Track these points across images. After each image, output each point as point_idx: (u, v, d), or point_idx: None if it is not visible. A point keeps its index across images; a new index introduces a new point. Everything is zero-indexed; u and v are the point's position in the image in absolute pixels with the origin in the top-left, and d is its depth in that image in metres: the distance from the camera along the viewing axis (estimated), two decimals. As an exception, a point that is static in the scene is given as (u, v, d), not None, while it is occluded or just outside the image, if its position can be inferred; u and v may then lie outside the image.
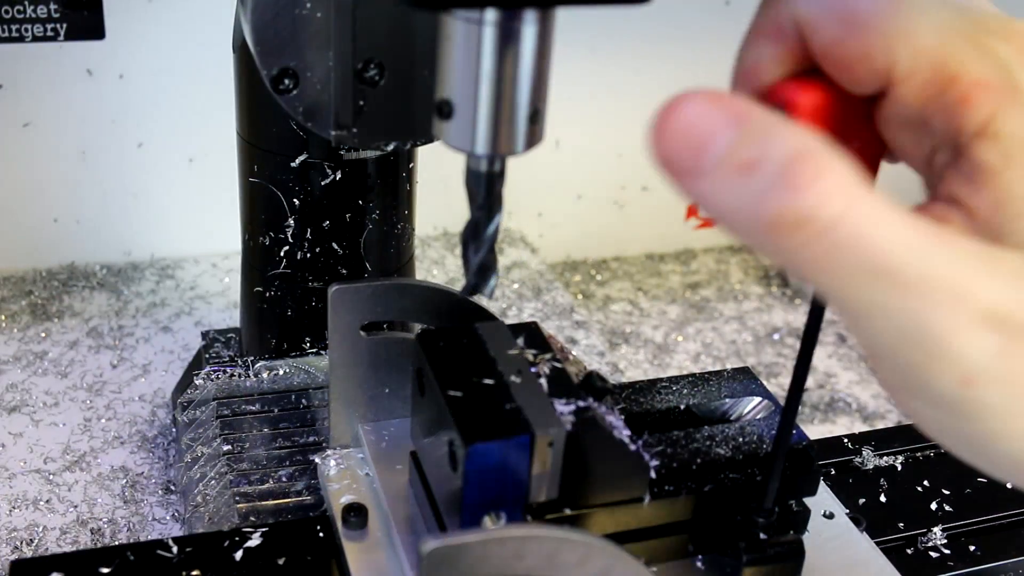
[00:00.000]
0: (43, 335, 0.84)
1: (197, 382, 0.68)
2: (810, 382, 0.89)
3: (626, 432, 0.49)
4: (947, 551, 0.57)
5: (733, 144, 0.27)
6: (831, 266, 0.27)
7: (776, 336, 0.95)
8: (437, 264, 0.98)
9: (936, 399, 0.28)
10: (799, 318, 0.98)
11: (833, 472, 0.62)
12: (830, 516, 0.55)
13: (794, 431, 0.52)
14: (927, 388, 0.28)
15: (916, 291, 0.26)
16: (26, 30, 0.80)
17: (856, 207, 0.26)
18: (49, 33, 0.81)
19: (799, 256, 0.27)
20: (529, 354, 0.49)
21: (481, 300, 0.52)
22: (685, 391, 0.55)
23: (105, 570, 0.50)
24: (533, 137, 0.42)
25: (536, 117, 0.42)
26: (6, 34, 0.80)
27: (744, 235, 0.28)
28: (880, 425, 0.84)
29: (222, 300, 0.90)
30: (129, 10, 0.83)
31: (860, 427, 0.84)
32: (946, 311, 0.27)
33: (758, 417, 0.53)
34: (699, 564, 0.52)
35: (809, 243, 0.26)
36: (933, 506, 0.60)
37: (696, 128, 0.28)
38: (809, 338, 0.43)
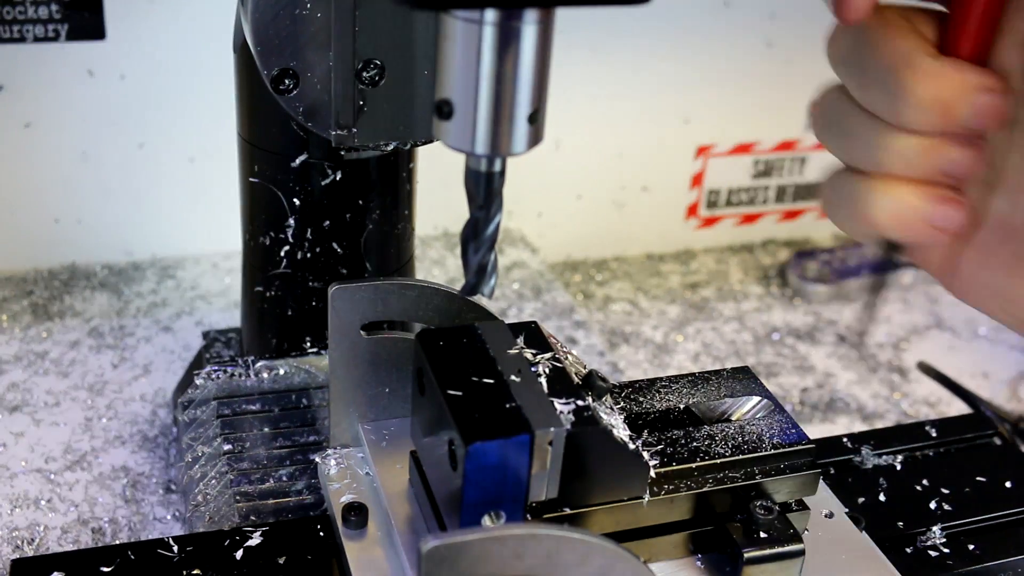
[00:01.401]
0: (44, 335, 0.85)
1: (198, 382, 0.68)
2: (810, 382, 0.89)
3: (626, 432, 0.49)
4: (946, 550, 0.57)
5: None
6: None
7: (775, 336, 0.95)
8: (437, 264, 0.98)
9: None
10: (798, 318, 0.98)
11: (833, 472, 0.62)
12: (830, 516, 0.55)
13: (794, 431, 0.52)
14: None
15: None
16: (27, 31, 0.80)
17: None
18: (50, 34, 0.81)
19: None
20: (529, 354, 0.49)
21: (481, 300, 0.52)
22: (685, 391, 0.55)
23: (106, 569, 0.50)
24: (533, 137, 0.43)
25: (536, 117, 0.42)
26: (7, 35, 0.80)
27: None
28: (879, 425, 0.84)
29: (223, 300, 0.90)
30: (130, 11, 0.83)
31: (859, 427, 0.84)
32: None
33: (758, 417, 0.53)
34: (699, 564, 0.52)
35: None
36: (932, 505, 0.60)
37: None
38: None
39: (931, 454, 0.65)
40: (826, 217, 0.45)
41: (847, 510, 0.56)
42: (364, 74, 0.53)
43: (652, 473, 0.49)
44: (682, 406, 0.54)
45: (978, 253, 0.43)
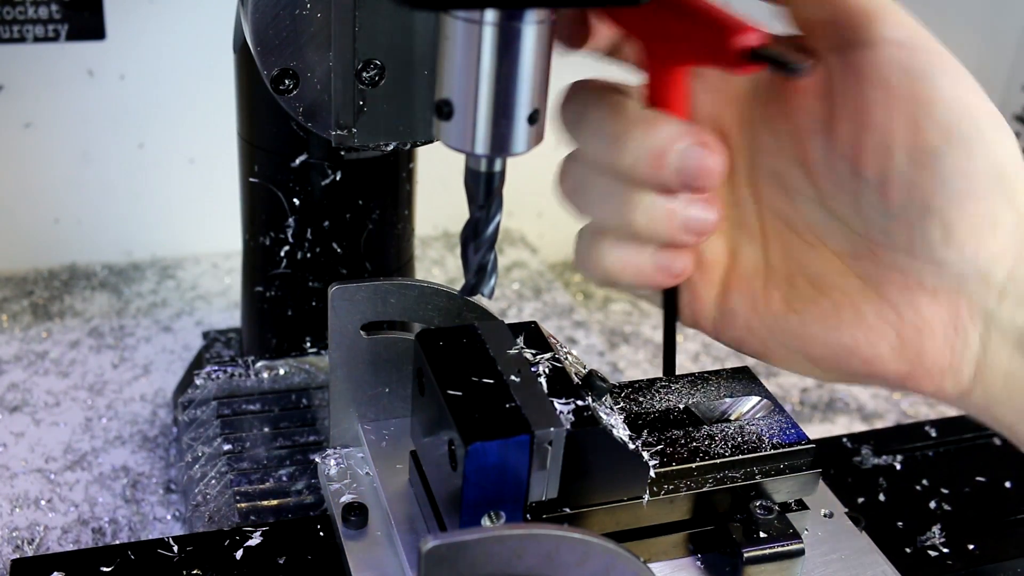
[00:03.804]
0: (44, 335, 0.85)
1: (198, 382, 0.68)
2: (809, 382, 0.89)
3: (626, 432, 0.49)
4: (946, 550, 0.57)
5: None
6: None
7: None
8: (437, 264, 0.98)
9: None
10: (799, 318, 0.98)
11: (832, 472, 0.62)
12: (829, 515, 0.55)
13: (793, 431, 0.52)
14: None
15: None
16: (27, 31, 0.80)
17: None
18: (50, 34, 0.81)
19: None
20: (529, 354, 0.49)
21: (481, 300, 0.52)
22: (685, 391, 0.55)
23: (106, 569, 0.50)
24: (533, 137, 0.43)
25: (536, 117, 0.42)
26: (7, 35, 0.80)
27: None
28: (879, 425, 0.84)
29: (223, 300, 0.91)
30: (130, 11, 0.83)
31: (859, 427, 0.84)
32: None
33: (758, 417, 0.53)
34: (699, 564, 0.52)
35: None
36: (932, 505, 0.60)
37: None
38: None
39: (931, 454, 0.65)
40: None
41: (847, 510, 0.56)
42: (364, 74, 0.53)
43: (652, 473, 0.49)
44: (682, 406, 0.54)
45: (745, 299, 0.44)
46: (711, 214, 0.42)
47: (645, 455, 0.49)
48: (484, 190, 0.44)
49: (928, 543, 0.58)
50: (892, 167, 0.39)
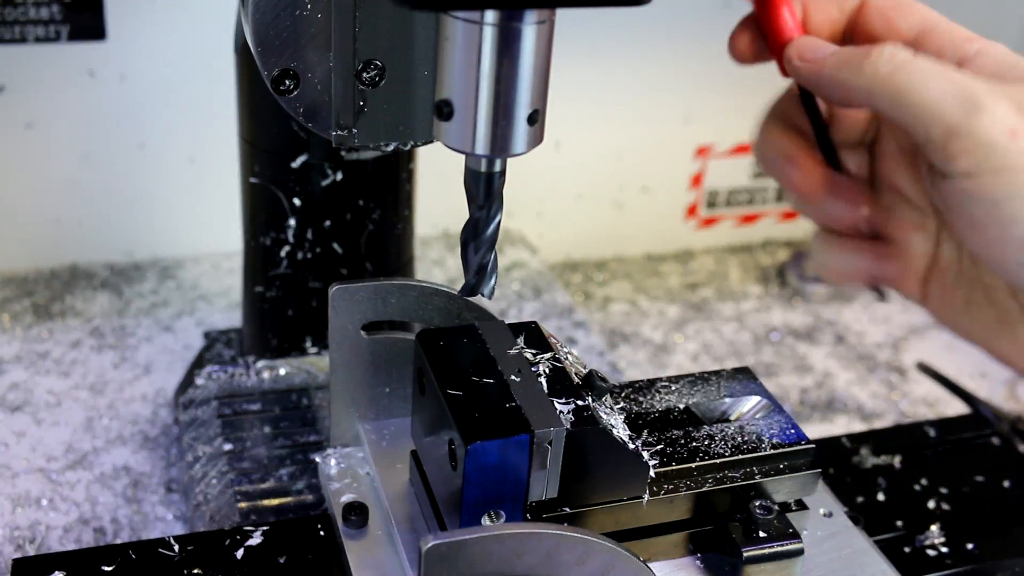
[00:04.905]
0: (46, 335, 0.85)
1: (199, 381, 0.68)
2: (809, 382, 0.89)
3: (626, 432, 0.49)
4: (945, 549, 0.57)
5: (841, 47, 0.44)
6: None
7: (775, 336, 0.95)
8: (437, 264, 0.98)
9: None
10: (798, 318, 0.98)
11: (832, 471, 0.62)
12: (829, 515, 0.55)
13: (793, 431, 0.52)
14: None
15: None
16: (28, 31, 0.81)
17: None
18: (51, 34, 0.81)
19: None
20: (529, 354, 0.49)
21: (481, 300, 0.52)
22: (685, 391, 0.55)
23: (107, 568, 0.50)
24: (533, 138, 0.43)
25: (536, 118, 0.42)
26: (9, 35, 0.80)
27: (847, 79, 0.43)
28: (878, 424, 0.84)
29: (223, 300, 0.91)
30: (131, 11, 0.83)
31: (858, 426, 0.84)
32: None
33: (757, 417, 0.54)
34: (699, 563, 0.52)
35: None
36: (931, 504, 0.60)
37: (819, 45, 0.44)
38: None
39: (930, 454, 0.65)
40: None
41: (846, 509, 0.56)
42: (364, 75, 0.53)
43: (652, 473, 0.49)
44: (682, 406, 0.54)
45: (939, 289, 0.48)
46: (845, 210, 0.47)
47: (645, 455, 0.49)
48: (484, 190, 0.44)
49: (928, 543, 0.58)
50: (994, 271, 0.43)
